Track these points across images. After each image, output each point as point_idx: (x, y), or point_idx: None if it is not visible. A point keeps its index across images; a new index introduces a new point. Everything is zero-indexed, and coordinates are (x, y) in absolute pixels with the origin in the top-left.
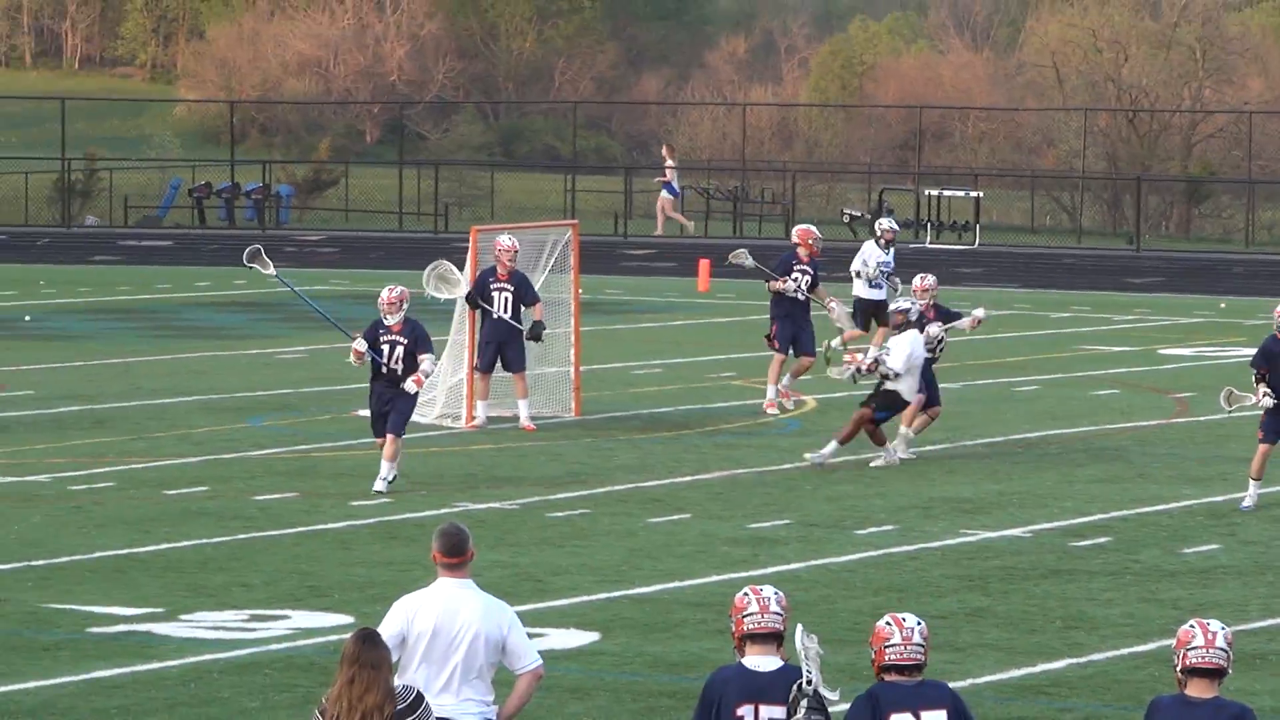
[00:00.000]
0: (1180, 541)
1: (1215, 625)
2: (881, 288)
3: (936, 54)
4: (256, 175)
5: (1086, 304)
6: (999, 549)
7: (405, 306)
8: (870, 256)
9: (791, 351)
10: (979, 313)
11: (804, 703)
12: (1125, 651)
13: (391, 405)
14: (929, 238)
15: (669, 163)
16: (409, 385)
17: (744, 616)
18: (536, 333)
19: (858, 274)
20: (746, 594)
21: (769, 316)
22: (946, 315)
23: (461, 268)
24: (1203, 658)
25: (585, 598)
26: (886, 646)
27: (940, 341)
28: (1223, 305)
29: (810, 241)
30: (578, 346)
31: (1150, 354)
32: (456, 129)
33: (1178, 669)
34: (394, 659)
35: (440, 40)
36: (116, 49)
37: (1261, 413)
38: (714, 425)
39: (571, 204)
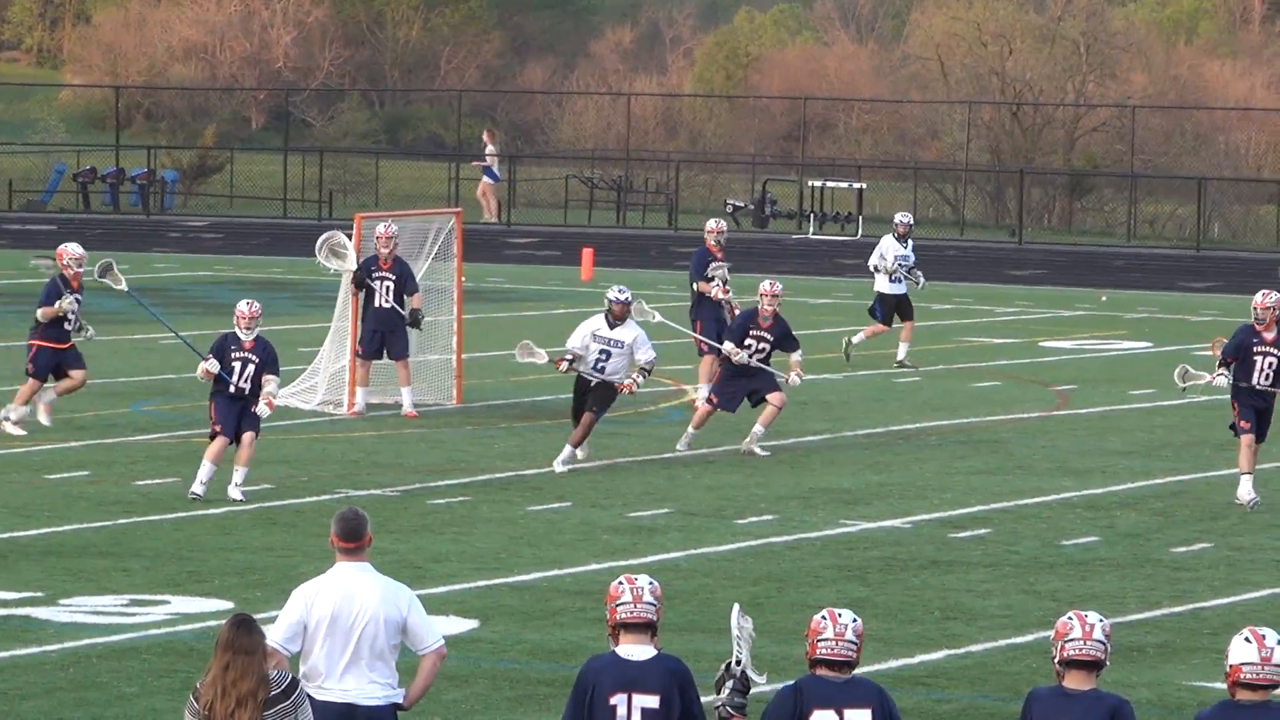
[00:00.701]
0: (1059, 534)
1: (1093, 617)
2: (901, 282)
3: (821, 46)
4: (142, 160)
5: (969, 296)
6: (878, 539)
7: (260, 324)
8: (887, 250)
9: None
10: (794, 379)
11: (730, 684)
12: (1003, 643)
13: (243, 418)
14: (812, 229)
15: (490, 149)
16: (261, 409)
17: (617, 606)
18: (416, 320)
19: (876, 269)
20: (621, 583)
21: (690, 318)
22: (784, 341)
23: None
24: (1080, 649)
25: (464, 585)
26: (819, 640)
27: (755, 351)
28: (1104, 299)
29: (707, 234)
30: (460, 334)
31: (1032, 346)
32: (342, 116)
33: (1055, 661)
34: (296, 648)
35: (326, 27)
36: (3, 33)
37: (1233, 406)
38: None
39: (455, 192)
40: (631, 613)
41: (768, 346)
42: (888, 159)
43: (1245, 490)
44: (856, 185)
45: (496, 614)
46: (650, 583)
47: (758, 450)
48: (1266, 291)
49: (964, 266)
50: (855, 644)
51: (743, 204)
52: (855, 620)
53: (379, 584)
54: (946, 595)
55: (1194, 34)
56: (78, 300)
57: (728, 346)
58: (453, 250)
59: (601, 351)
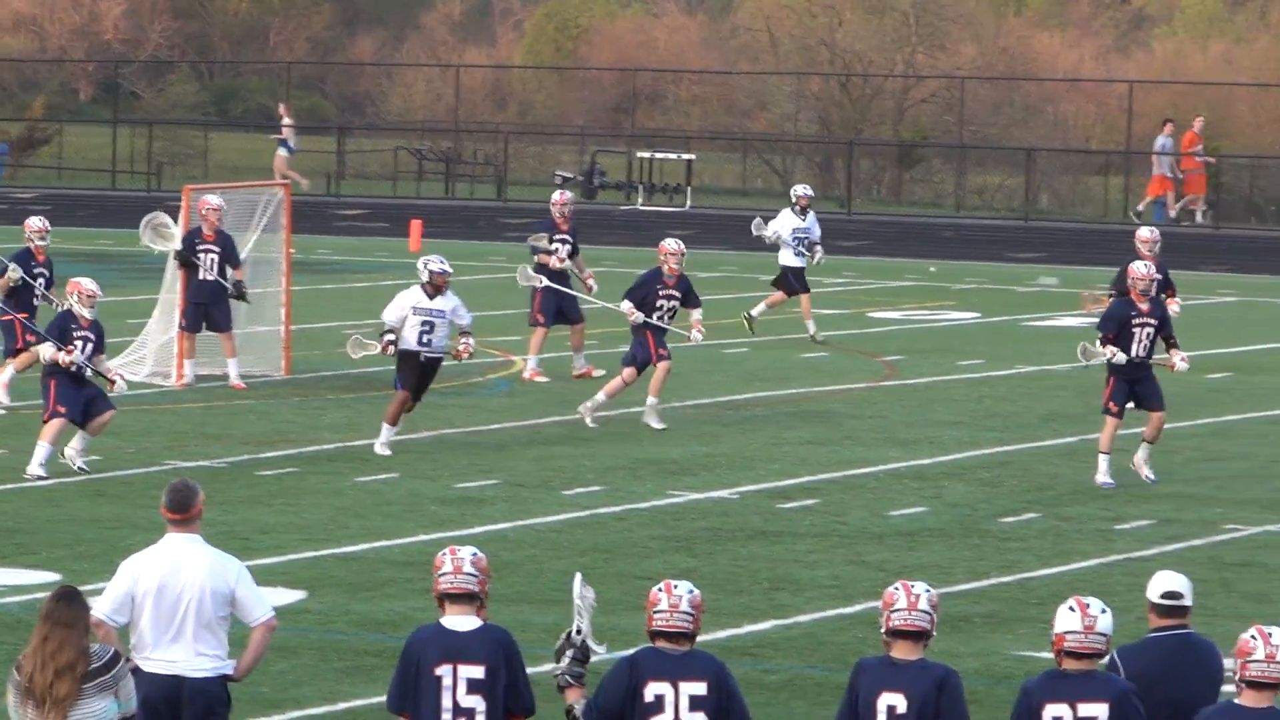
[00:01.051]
0: (886, 504)
1: (919, 588)
2: (804, 255)
3: (651, 18)
4: None
5: None
6: (706, 510)
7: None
8: (784, 226)
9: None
10: (696, 335)
11: (570, 653)
12: (831, 613)
13: (92, 401)
14: (640, 200)
15: (286, 121)
16: (120, 386)
17: (439, 576)
18: (239, 292)
19: (769, 238)
20: (444, 554)
21: (531, 292)
22: (687, 297)
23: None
24: (905, 620)
25: (292, 556)
26: (655, 612)
27: (665, 311)
28: (932, 269)
29: (552, 205)
30: (288, 306)
31: (859, 317)
32: (171, 88)
33: (883, 631)
34: (124, 619)
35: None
36: None
37: (1108, 382)
38: None
39: None
40: (452, 583)
41: (676, 304)
42: (717, 130)
43: (1103, 472)
44: (685, 157)
45: (324, 585)
46: (474, 554)
47: (655, 425)
48: (1147, 261)
49: None
50: (690, 615)
51: (571, 175)
52: (692, 592)
53: (208, 556)
54: (774, 566)
55: (1023, 5)
56: (44, 276)
57: (625, 306)
58: (281, 222)
59: (424, 324)
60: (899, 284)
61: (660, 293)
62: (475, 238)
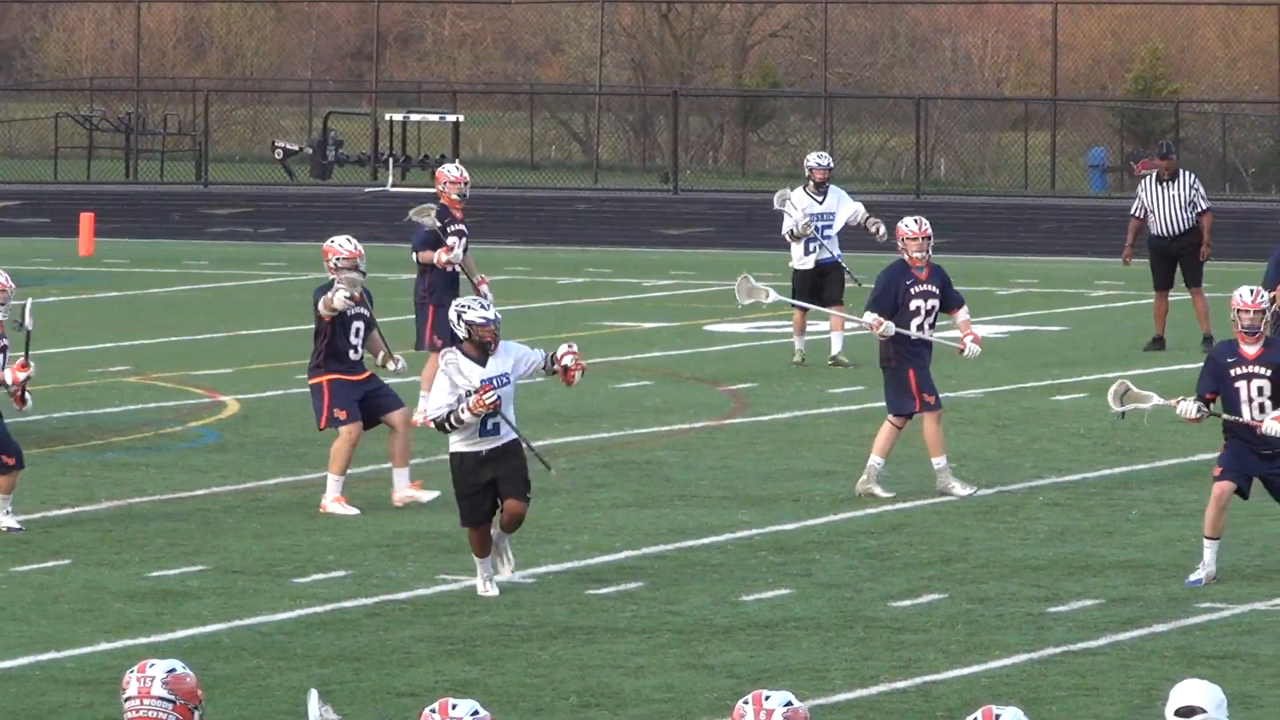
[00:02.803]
0: (738, 585)
1: (776, 700)
2: (817, 249)
3: None
4: None
5: (607, 265)
6: (490, 600)
7: None
8: (798, 209)
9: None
10: (973, 348)
11: None
12: None
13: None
14: (391, 179)
15: None
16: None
17: (125, 702)
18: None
19: (791, 234)
20: (131, 673)
21: (416, 301)
22: (949, 292)
23: None
24: None
25: None
26: None
27: (926, 312)
28: (791, 264)
29: (447, 187)
30: None
31: (694, 331)
32: None
33: None
34: None
35: None
36: None
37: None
38: (101, 439)
39: None
40: (138, 711)
41: (935, 303)
42: (493, 81)
43: (1206, 565)
44: (451, 118)
45: None
46: (170, 670)
47: (957, 490)
48: (1255, 289)
49: (599, 225)
50: None
51: (296, 148)
52: (476, 714)
53: None
54: (585, 674)
55: None
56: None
57: (869, 318)
58: None
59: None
60: None
61: (913, 290)
62: (169, 235)
